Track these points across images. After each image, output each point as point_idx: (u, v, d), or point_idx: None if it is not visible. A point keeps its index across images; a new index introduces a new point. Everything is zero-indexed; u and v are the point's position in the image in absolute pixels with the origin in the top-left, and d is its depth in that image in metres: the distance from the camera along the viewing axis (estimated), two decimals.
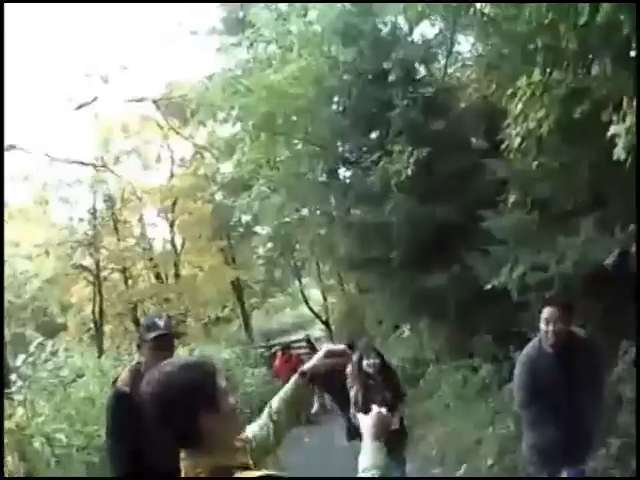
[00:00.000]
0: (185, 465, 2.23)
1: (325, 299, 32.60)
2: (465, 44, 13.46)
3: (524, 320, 8.87)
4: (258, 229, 28.86)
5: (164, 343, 4.17)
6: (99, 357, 11.88)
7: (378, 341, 18.77)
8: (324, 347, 2.97)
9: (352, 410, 7.12)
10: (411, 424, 9.57)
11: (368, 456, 2.54)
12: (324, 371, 2.86)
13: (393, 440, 6.98)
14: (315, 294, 35.06)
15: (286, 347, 19.07)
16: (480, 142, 11.19)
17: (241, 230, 30.85)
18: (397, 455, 7.04)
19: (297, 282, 34.19)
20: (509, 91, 7.75)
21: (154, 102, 24.21)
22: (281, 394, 2.86)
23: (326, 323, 30.89)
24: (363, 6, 11.93)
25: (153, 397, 2.16)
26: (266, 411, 2.81)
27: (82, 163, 24.76)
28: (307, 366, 2.90)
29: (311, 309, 32.45)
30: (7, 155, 20.78)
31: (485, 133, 10.76)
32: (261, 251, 30.95)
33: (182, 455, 2.24)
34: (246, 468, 2.20)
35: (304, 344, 27.14)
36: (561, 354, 4.93)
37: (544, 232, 8.05)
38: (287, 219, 19.09)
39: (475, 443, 8.93)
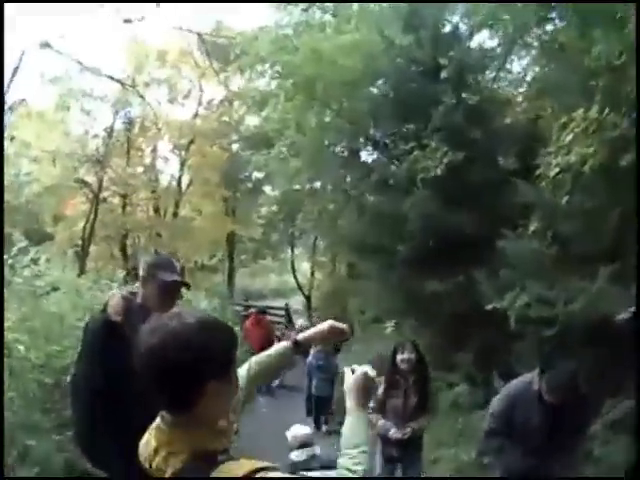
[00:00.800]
0: (157, 435, 1.93)
1: (313, 274, 32.53)
2: (516, 64, 13.39)
3: (514, 350, 8.67)
4: (267, 189, 28.82)
5: (176, 290, 4.01)
6: (79, 276, 11.55)
7: (357, 330, 18.70)
8: (328, 322, 2.79)
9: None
10: None
11: (355, 430, 2.25)
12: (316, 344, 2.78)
13: (404, 451, 6.55)
14: (304, 267, 35.03)
15: (262, 311, 18.80)
16: (511, 161, 10.94)
17: (249, 185, 30.83)
18: (407, 468, 6.61)
19: (290, 251, 34.11)
20: (562, 120, 7.45)
21: (199, 36, 23.75)
22: (264, 357, 2.67)
23: (308, 298, 30.77)
24: None
25: (160, 347, 1.83)
26: (244, 372, 2.54)
27: (112, 78, 24.29)
28: (303, 336, 2.76)
29: (297, 280, 32.37)
30: (38, 53, 20.50)
31: (521, 154, 10.48)
32: (263, 211, 30.89)
33: (158, 423, 1.95)
34: (226, 452, 1.90)
35: (282, 312, 27.12)
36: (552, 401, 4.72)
37: (559, 269, 7.80)
38: (298, 186, 18.94)
39: (431, 462, 8.69)
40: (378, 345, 15.16)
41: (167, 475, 1.86)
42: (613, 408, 6.81)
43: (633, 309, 5.54)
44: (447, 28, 12.07)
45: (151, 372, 1.85)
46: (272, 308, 26.98)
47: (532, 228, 8.37)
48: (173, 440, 1.88)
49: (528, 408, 4.78)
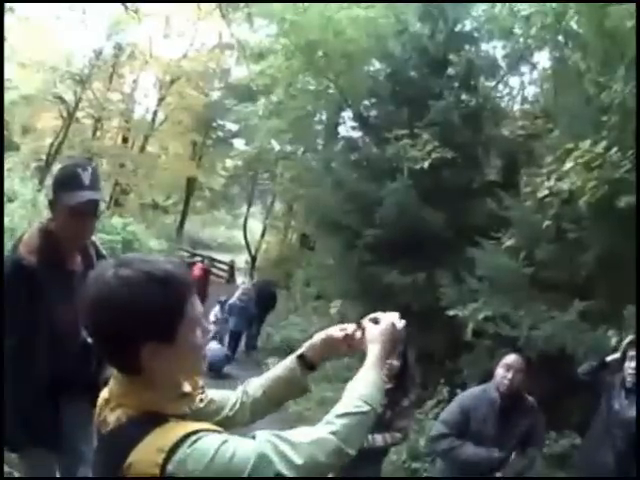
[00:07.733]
0: (111, 386, 1.69)
1: (263, 235, 32.26)
2: (516, 79, 13.37)
3: (461, 359, 8.60)
4: (237, 142, 28.66)
5: (87, 213, 3.17)
6: (39, 191, 11.11)
7: (298, 300, 18.56)
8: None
9: None
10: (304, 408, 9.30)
11: (365, 383, 1.79)
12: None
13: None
14: (256, 227, 34.68)
15: (209, 262, 18.56)
16: (495, 171, 10.83)
17: (221, 135, 30.68)
18: None
19: (246, 207, 33.83)
20: (567, 146, 7.28)
21: None
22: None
23: (253, 258, 30.52)
24: None
25: (93, 300, 1.57)
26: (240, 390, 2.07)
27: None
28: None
29: (246, 238, 32.02)
30: None
31: (508, 168, 10.35)
32: (229, 163, 30.69)
33: (115, 374, 1.68)
34: (182, 419, 1.64)
35: (225, 267, 26.90)
36: (505, 407, 4.68)
37: (528, 291, 7.68)
38: (276, 147, 18.74)
39: None
40: (316, 321, 15.11)
41: (109, 427, 1.63)
42: (555, 442, 6.78)
43: (597, 363, 5.41)
44: (466, 27, 11.83)
45: (87, 329, 1.65)
46: (217, 261, 26.79)
47: (507, 243, 8.24)
48: (127, 393, 1.64)
49: (483, 411, 4.71)
